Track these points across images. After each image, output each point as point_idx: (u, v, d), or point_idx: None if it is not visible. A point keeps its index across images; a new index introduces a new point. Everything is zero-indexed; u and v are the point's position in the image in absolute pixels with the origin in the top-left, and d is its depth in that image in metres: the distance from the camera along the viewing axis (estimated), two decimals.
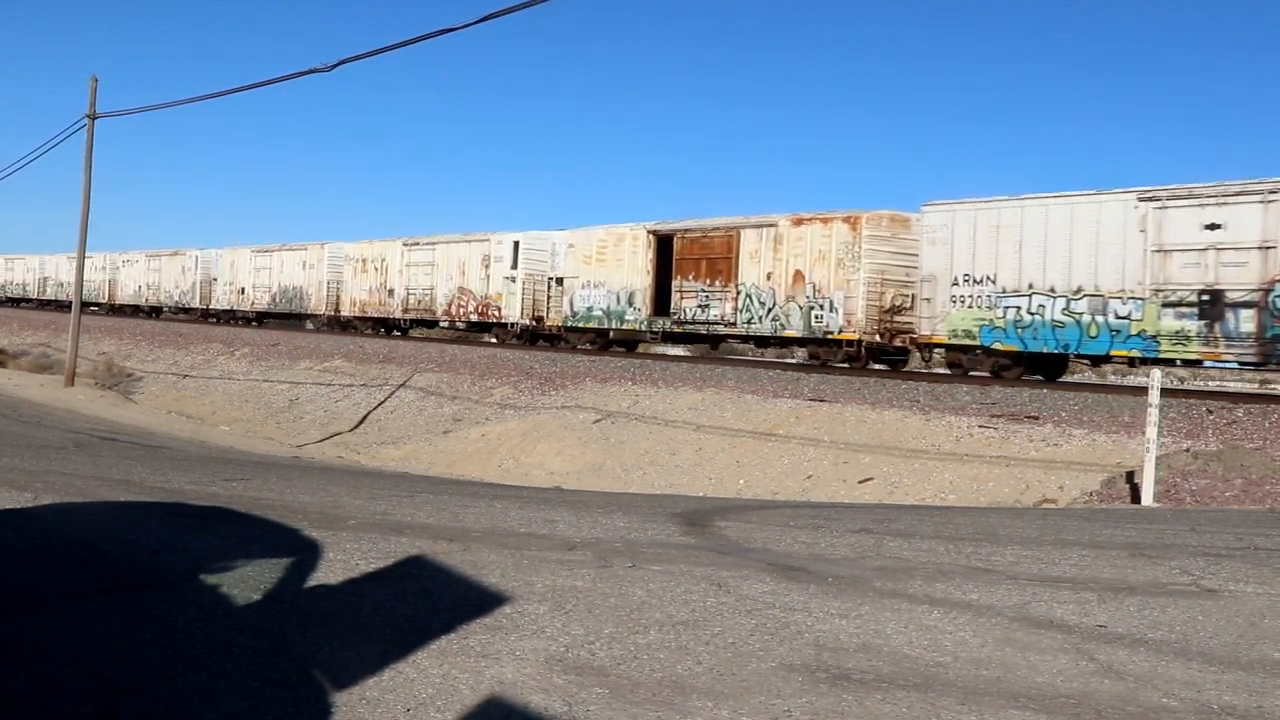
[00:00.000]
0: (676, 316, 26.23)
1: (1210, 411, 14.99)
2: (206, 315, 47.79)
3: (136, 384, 31.62)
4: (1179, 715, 3.70)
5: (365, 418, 24.17)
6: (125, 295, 54.82)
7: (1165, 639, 4.61)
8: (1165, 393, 13.55)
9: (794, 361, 26.29)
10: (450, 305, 34.14)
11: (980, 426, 15.54)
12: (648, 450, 17.68)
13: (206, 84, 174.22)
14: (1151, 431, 11.61)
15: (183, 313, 50.36)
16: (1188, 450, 13.24)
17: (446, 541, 6.24)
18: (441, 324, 35.86)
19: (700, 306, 25.60)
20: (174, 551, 5.68)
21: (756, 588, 5.33)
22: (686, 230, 26.22)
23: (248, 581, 5.04)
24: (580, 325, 29.09)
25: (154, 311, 52.47)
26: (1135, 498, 11.94)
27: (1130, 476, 12.56)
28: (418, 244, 35.90)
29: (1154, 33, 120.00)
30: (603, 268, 28.28)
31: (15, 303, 65.20)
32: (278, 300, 43.15)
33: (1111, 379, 24.41)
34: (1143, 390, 13.56)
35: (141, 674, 3.80)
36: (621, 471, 17.18)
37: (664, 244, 26.87)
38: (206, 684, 3.73)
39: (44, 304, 62.22)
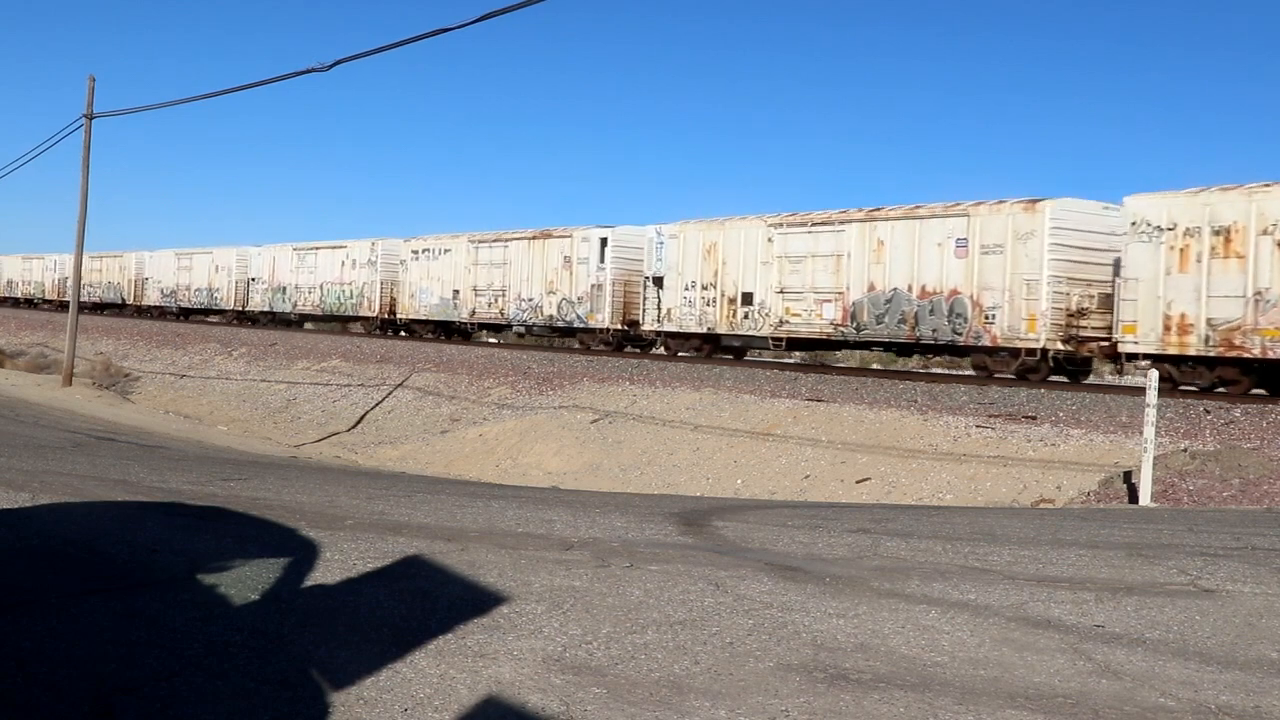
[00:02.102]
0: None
1: (1208, 411, 15.01)
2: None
3: (134, 384, 31.60)
4: (1176, 715, 3.70)
5: (363, 418, 24.16)
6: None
7: (1163, 639, 4.61)
8: (1163, 393, 13.56)
9: (792, 361, 26.09)
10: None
11: (978, 426, 15.55)
12: (645, 450, 17.68)
13: (206, 84, 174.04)
14: (1149, 431, 11.62)
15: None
16: (1185, 450, 13.26)
17: (444, 541, 6.23)
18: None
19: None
20: (171, 551, 5.67)
21: (754, 588, 5.33)
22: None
23: (245, 581, 5.04)
24: (423, 318, 28.45)
25: (184, 314, 49.49)
26: (1133, 498, 11.95)
27: (1128, 476, 12.57)
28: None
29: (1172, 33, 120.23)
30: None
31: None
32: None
33: (1109, 379, 24.38)
34: (1140, 390, 13.58)
35: (138, 674, 3.79)
36: (619, 471, 17.18)
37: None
38: (204, 684, 3.73)
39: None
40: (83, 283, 52.67)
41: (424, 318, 35.52)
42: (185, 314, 49.81)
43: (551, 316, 30.29)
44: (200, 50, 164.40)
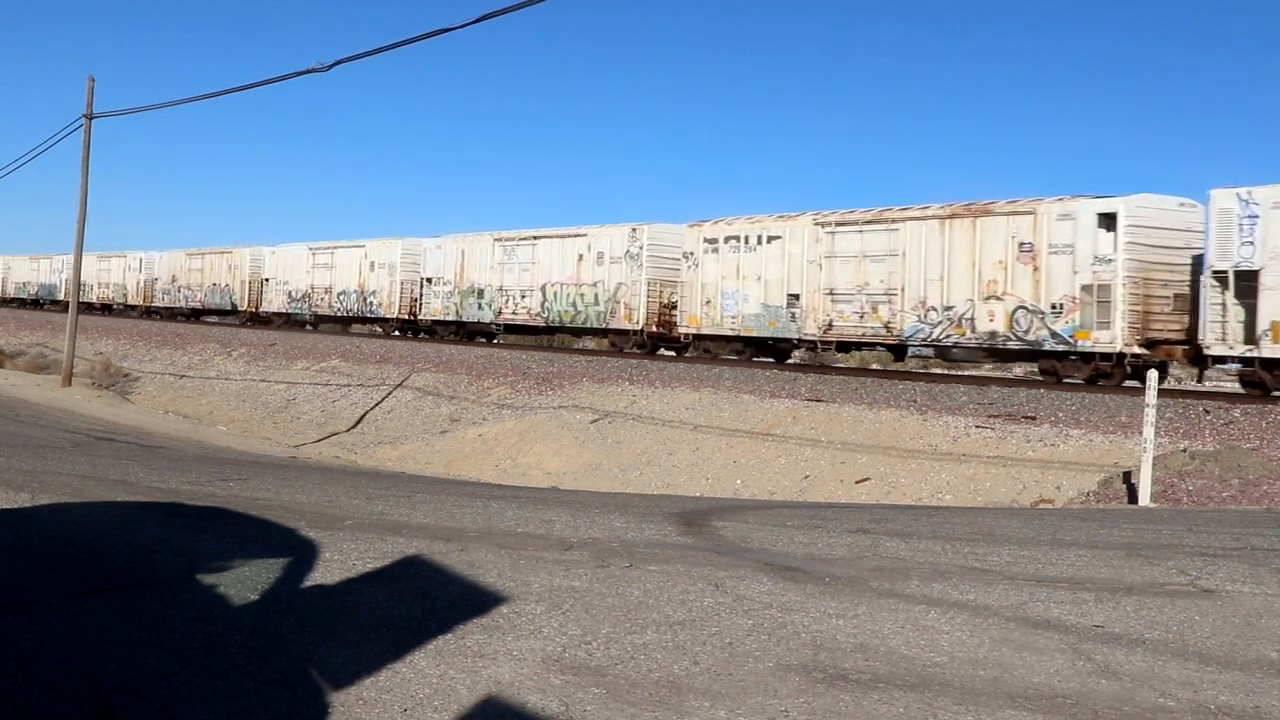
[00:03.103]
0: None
1: (1207, 412, 15.01)
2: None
3: (133, 384, 31.59)
4: (1176, 715, 3.70)
5: (362, 418, 24.16)
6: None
7: (1162, 639, 4.61)
8: (1162, 393, 13.56)
9: (793, 362, 25.97)
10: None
11: (977, 427, 15.55)
12: (645, 450, 17.68)
13: (206, 84, 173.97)
14: (1148, 431, 11.62)
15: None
16: (1185, 450, 13.26)
17: (443, 541, 6.23)
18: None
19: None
20: (171, 551, 5.67)
21: (754, 588, 5.33)
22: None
23: (245, 581, 5.03)
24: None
25: (194, 315, 47.47)
26: (1132, 498, 11.96)
27: (1127, 477, 12.57)
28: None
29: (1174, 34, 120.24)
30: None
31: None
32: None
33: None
34: (1140, 390, 13.58)
35: (138, 674, 3.79)
36: (618, 471, 17.18)
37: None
38: (203, 684, 3.72)
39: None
40: (179, 285, 48.66)
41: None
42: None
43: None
44: (200, 50, 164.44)
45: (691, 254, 25.12)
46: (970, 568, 6.07)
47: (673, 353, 26.84)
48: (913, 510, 10.38)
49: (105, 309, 54.17)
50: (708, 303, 24.86)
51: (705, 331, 25.10)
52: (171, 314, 49.21)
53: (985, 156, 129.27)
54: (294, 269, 41.39)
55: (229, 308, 45.31)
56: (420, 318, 34.27)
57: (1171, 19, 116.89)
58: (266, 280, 43.00)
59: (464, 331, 32.40)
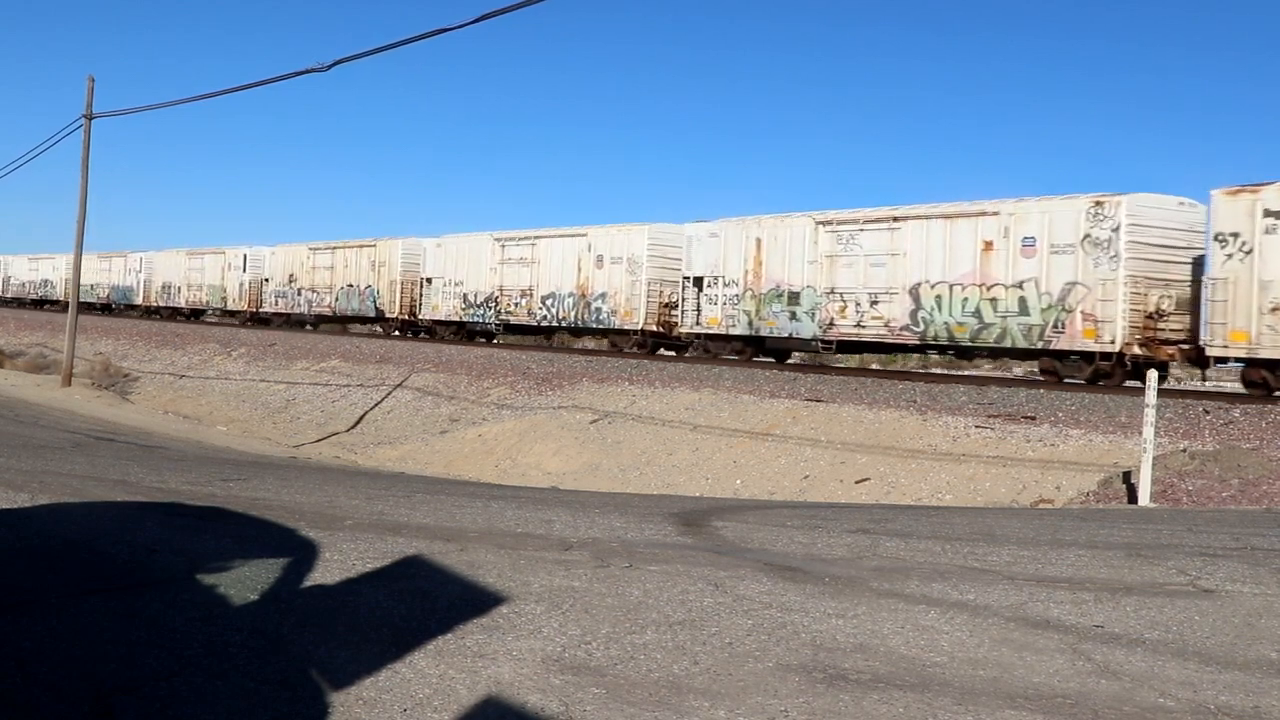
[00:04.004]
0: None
1: (1207, 412, 15.01)
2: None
3: (133, 384, 31.58)
4: (1175, 715, 3.70)
5: (362, 418, 24.16)
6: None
7: (1162, 639, 4.61)
8: (1162, 393, 13.56)
9: (792, 362, 25.99)
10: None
11: (977, 427, 15.55)
12: (644, 450, 17.68)
13: (206, 84, 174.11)
14: (1148, 432, 11.62)
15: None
16: (1185, 450, 13.26)
17: (443, 542, 6.23)
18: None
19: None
20: (171, 551, 5.67)
21: (753, 588, 5.33)
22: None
23: (245, 581, 5.03)
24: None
25: (195, 314, 46.53)
26: (1132, 498, 11.96)
27: (1127, 477, 12.57)
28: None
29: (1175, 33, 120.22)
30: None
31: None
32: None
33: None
34: (1139, 390, 13.58)
35: (138, 674, 3.79)
36: (618, 471, 17.18)
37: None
38: (203, 684, 3.72)
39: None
40: (299, 286, 39.43)
41: (445, 319, 30.52)
42: (197, 314, 44.31)
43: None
44: (200, 50, 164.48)
45: (1236, 235, 16.71)
46: (970, 568, 6.07)
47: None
48: (912, 510, 10.38)
49: (194, 315, 47.65)
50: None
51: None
52: (289, 321, 41.05)
53: (986, 156, 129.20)
54: (471, 266, 32.47)
55: (372, 314, 36.74)
56: (686, 331, 25.85)
57: (1171, 19, 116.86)
58: (428, 281, 34.21)
59: (762, 348, 25.17)
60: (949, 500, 13.50)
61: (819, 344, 23.17)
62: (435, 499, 8.74)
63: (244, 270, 43.46)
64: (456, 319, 32.65)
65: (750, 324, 24.24)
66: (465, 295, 32.32)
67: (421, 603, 4.84)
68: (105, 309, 54.21)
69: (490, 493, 10.07)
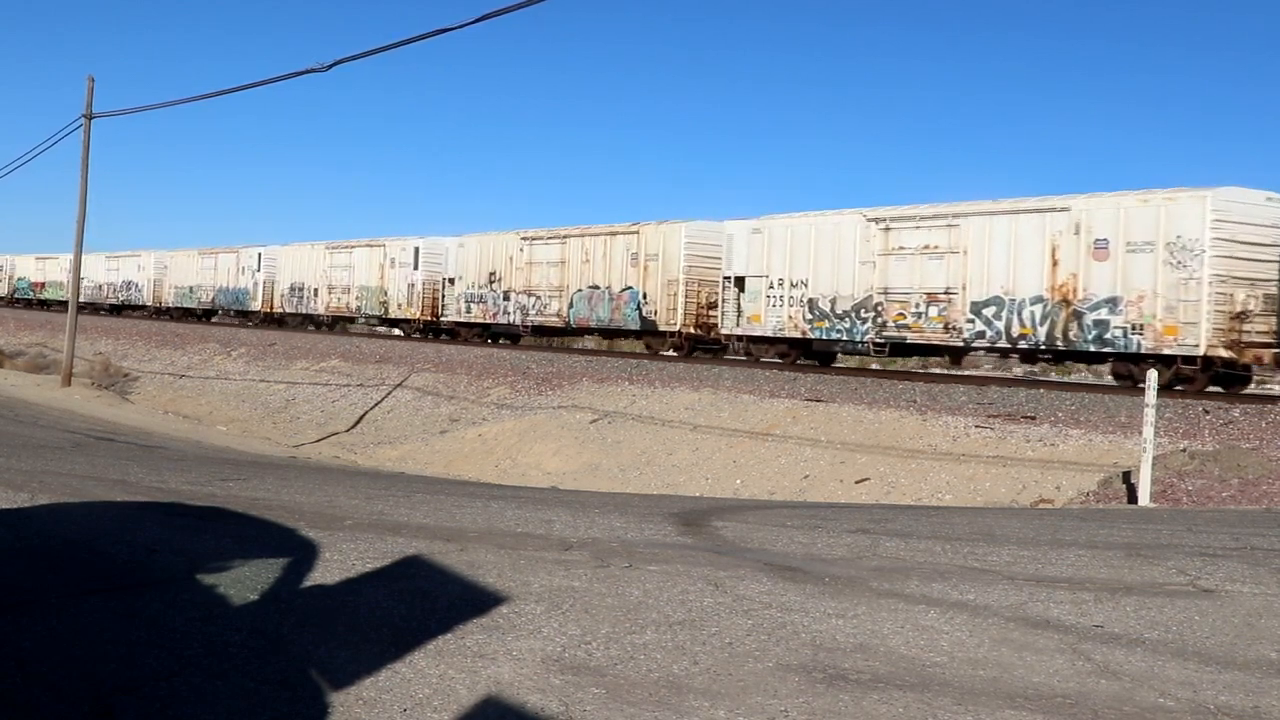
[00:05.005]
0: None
1: (1207, 412, 15.01)
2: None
3: (133, 384, 31.58)
4: (1175, 715, 3.70)
5: (362, 418, 24.16)
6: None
7: (1162, 639, 4.61)
8: (1162, 393, 13.56)
9: (792, 362, 25.87)
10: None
11: (977, 427, 15.55)
12: (644, 450, 17.68)
13: (206, 84, 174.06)
14: (1148, 431, 11.62)
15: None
16: (1184, 450, 13.26)
17: (443, 541, 6.23)
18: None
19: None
20: (171, 551, 5.67)
21: (753, 588, 5.32)
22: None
23: (245, 581, 5.04)
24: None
25: (207, 315, 46.34)
26: (1132, 498, 11.96)
27: (1127, 476, 12.57)
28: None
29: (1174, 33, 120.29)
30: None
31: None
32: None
33: (1107, 379, 24.25)
34: (1139, 390, 13.58)
35: (138, 674, 3.79)
36: (618, 471, 17.18)
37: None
38: (203, 684, 3.73)
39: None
40: (509, 289, 29.35)
41: (470, 321, 29.77)
42: (209, 315, 43.64)
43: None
44: (200, 50, 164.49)
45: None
46: (970, 568, 6.07)
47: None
48: (912, 510, 10.38)
49: (338, 321, 39.23)
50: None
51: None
52: (546, 340, 32.06)
53: (985, 157, 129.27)
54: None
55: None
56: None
57: (1171, 19, 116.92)
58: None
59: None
60: (949, 500, 13.50)
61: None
62: (435, 499, 8.74)
63: (419, 268, 35.18)
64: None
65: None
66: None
67: (421, 603, 4.84)
68: (206, 316, 47.71)
69: (490, 493, 10.07)
